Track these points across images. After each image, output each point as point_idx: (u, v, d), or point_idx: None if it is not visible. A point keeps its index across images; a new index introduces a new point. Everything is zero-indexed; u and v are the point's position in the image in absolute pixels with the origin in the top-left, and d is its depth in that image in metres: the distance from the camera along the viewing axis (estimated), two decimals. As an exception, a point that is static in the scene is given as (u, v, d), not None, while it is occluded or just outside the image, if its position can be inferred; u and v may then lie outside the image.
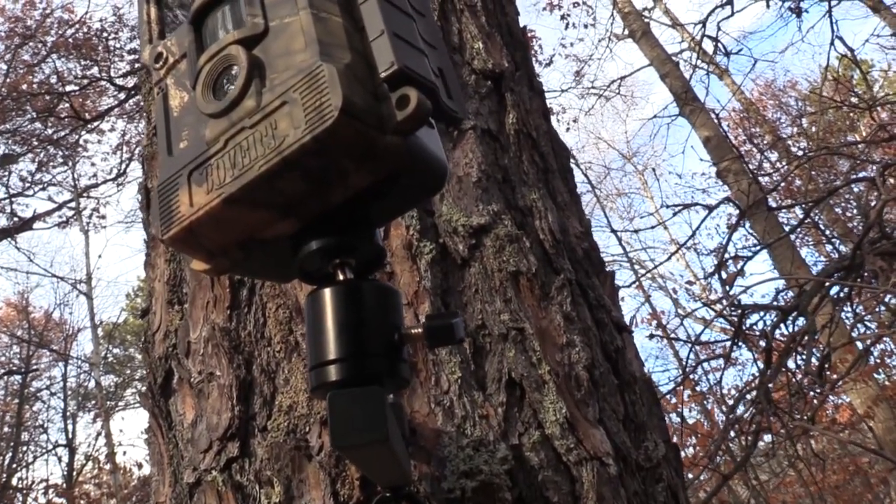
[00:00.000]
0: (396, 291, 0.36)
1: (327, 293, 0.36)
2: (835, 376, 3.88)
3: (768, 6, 6.96)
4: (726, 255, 3.66)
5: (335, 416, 0.34)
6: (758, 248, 4.31)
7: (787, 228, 5.35)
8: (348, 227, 0.38)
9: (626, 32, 8.09)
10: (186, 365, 0.75)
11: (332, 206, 0.36)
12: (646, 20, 8.02)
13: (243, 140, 0.36)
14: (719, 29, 5.99)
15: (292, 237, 0.39)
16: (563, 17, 9.71)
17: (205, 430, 0.69)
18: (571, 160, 1.08)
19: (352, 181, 0.35)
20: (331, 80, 0.34)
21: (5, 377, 10.92)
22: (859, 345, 4.08)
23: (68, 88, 9.04)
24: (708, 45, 6.47)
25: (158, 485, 0.77)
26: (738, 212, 4.31)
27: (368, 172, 0.35)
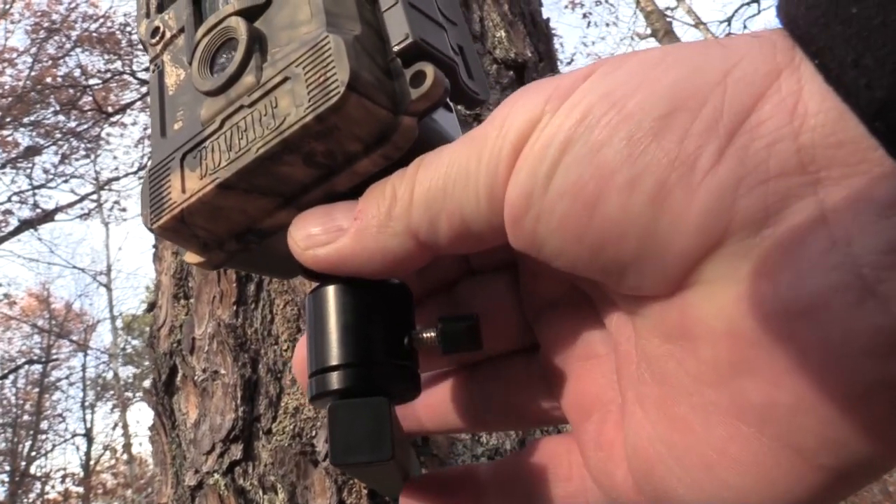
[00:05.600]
0: (408, 290, 0.32)
1: (330, 291, 0.32)
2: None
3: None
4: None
5: (335, 431, 0.30)
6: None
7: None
8: (355, 219, 0.34)
9: (649, 31, 8.00)
10: (191, 362, 0.73)
11: (337, 194, 0.32)
12: (668, 19, 7.93)
13: (241, 120, 0.33)
14: (745, 27, 5.90)
15: (294, 229, 0.35)
16: (584, 16, 9.64)
17: (208, 430, 0.67)
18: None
19: (359, 167, 0.31)
20: (337, 52, 0.30)
21: (26, 366, 11.07)
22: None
23: (91, 82, 9.13)
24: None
25: (161, 485, 0.75)
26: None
27: (378, 157, 0.31)
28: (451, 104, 0.35)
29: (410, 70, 0.31)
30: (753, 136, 0.16)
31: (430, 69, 0.30)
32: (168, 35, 0.39)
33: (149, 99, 0.41)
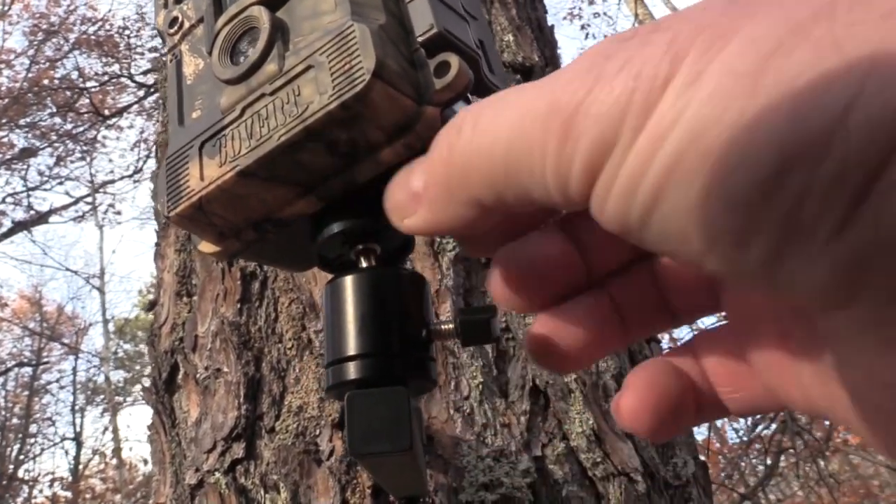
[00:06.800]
0: (425, 281, 0.32)
1: (348, 281, 0.32)
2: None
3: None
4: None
5: (353, 420, 0.30)
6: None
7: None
8: (375, 210, 0.33)
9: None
10: (193, 360, 0.72)
11: (358, 184, 0.32)
12: (667, 32, 7.96)
13: (262, 108, 0.32)
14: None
15: (312, 218, 0.35)
16: (583, 28, 9.68)
17: (209, 429, 0.66)
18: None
19: (382, 156, 0.31)
20: (362, 40, 0.30)
21: (16, 369, 10.98)
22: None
23: (88, 84, 9.11)
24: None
25: (159, 484, 0.74)
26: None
27: (401, 147, 0.30)
28: (470, 98, 0.35)
29: (435, 60, 0.31)
30: (888, 195, 0.14)
31: (454, 60, 0.30)
32: (187, 25, 0.39)
33: (167, 88, 0.40)
